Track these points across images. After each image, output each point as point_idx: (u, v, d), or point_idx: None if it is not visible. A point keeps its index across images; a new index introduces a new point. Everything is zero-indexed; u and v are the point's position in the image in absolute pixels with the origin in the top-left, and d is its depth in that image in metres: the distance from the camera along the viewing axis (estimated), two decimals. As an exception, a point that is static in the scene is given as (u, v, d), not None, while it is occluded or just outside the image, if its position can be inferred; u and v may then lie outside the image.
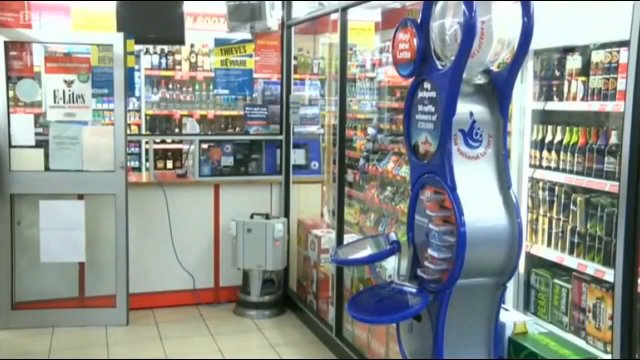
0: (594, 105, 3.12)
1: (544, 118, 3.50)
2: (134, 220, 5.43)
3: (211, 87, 8.35)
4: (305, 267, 5.55)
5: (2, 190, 5.17)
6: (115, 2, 5.84)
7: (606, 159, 3.05)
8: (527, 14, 2.54)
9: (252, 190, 5.99)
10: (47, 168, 5.25)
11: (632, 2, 2.27)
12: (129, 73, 5.53)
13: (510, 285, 3.36)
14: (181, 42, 6.49)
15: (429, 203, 2.67)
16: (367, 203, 5.27)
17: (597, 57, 3.13)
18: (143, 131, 8.27)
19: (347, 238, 4.65)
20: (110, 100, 5.60)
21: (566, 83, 3.29)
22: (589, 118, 3.31)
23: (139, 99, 8.34)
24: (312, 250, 5.36)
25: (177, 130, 8.49)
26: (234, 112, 8.42)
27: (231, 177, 5.96)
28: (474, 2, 2.45)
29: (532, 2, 2.54)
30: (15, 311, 5.27)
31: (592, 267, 3.10)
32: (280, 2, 5.93)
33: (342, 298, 4.67)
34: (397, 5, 5.47)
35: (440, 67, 2.66)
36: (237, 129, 8.17)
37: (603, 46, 3.11)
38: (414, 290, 2.72)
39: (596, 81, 3.12)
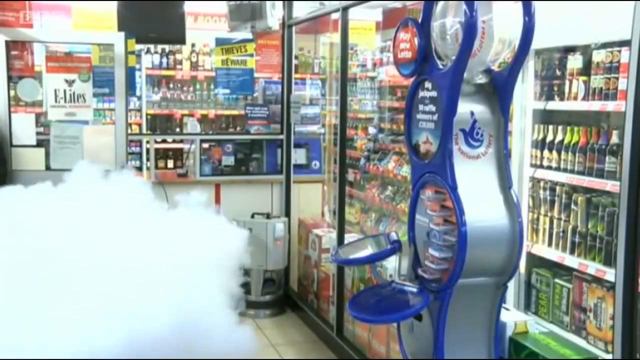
0: (595, 105, 3.12)
1: (545, 118, 3.50)
2: (135, 219, 5.42)
3: (212, 86, 8.36)
4: (306, 267, 5.55)
5: (3, 190, 5.18)
6: (116, 1, 5.84)
7: (607, 158, 3.04)
8: (528, 13, 2.54)
9: (253, 189, 5.99)
10: (48, 167, 5.25)
11: (633, 1, 2.26)
12: (130, 72, 5.53)
13: (511, 285, 3.36)
14: (182, 41, 6.49)
15: (429, 202, 2.67)
16: (368, 202, 5.27)
17: (598, 56, 3.13)
18: (144, 131, 8.27)
19: (348, 237, 4.65)
20: (111, 99, 5.60)
21: (567, 83, 3.29)
22: (590, 118, 3.31)
23: (139, 98, 8.35)
24: (313, 250, 5.36)
25: (178, 129, 8.50)
26: (235, 112, 8.43)
27: (232, 177, 5.96)
28: (475, 1, 2.44)
29: (533, 1, 2.54)
30: (16, 310, 5.26)
31: (593, 267, 3.10)
32: (281, 1, 5.92)
33: (343, 297, 4.67)
34: (398, 4, 5.47)
35: (441, 66, 2.66)
36: (238, 128, 8.17)
37: (604, 46, 3.11)
38: (414, 289, 2.72)
39: (597, 81, 3.12)
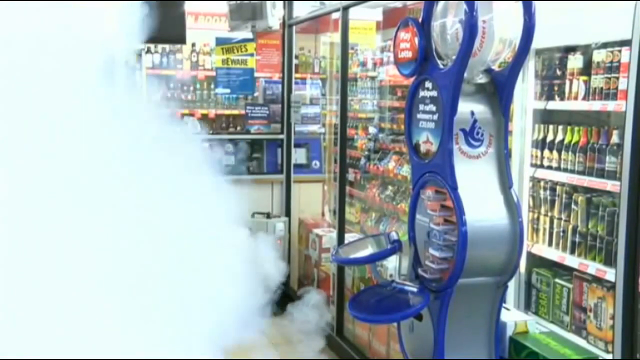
0: (596, 105, 3.12)
1: (545, 117, 3.50)
2: (135, 219, 5.42)
3: (212, 86, 8.36)
4: (306, 266, 5.55)
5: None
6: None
7: (607, 158, 3.04)
8: (528, 13, 2.54)
9: (253, 189, 5.98)
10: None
11: (634, 1, 2.26)
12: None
13: (511, 285, 3.35)
14: (182, 41, 6.48)
15: (430, 202, 2.67)
16: (368, 202, 5.27)
17: (598, 56, 3.13)
18: (144, 130, 8.27)
19: (348, 237, 4.65)
20: (111, 99, 5.59)
21: (567, 82, 3.29)
22: (590, 117, 3.31)
23: (140, 97, 8.34)
24: (313, 250, 5.36)
25: (178, 129, 8.49)
26: (235, 111, 8.42)
27: (232, 176, 5.94)
28: (476, 1, 2.45)
29: (533, 1, 2.54)
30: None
31: (593, 267, 3.10)
32: (281, 1, 5.92)
33: (343, 297, 4.67)
34: (399, 4, 5.47)
35: (441, 66, 2.66)
36: (238, 128, 8.17)
37: (604, 45, 3.11)
38: (415, 289, 2.72)
39: (597, 80, 3.11)
